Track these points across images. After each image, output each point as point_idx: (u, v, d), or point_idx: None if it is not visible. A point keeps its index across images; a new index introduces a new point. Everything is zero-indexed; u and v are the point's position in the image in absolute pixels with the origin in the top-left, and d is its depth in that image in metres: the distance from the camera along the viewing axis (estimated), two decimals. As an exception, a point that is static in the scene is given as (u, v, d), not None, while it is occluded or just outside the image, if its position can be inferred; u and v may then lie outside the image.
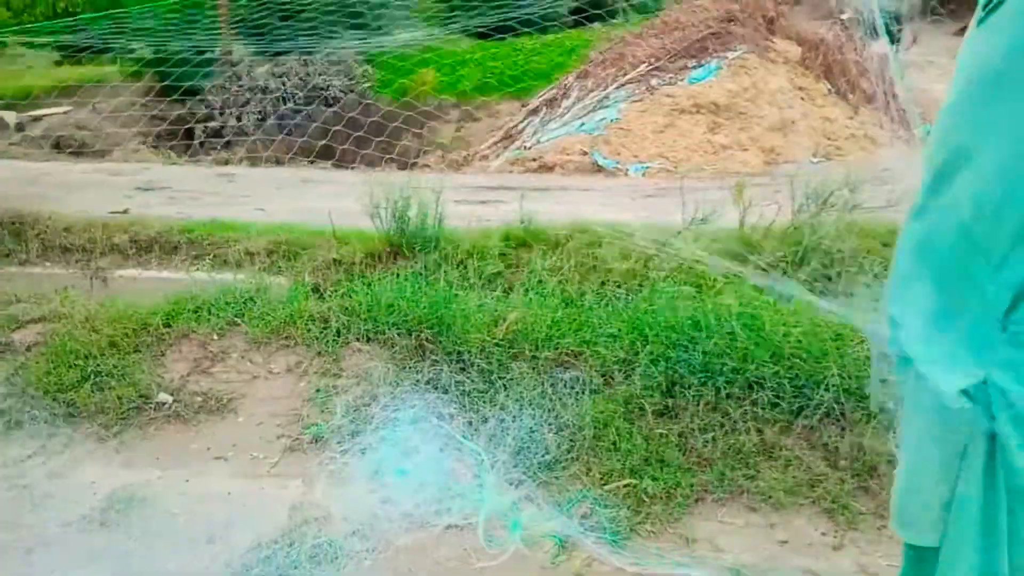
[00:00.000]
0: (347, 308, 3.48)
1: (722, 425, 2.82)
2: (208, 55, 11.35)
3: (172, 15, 10.83)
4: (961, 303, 1.14)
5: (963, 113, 1.15)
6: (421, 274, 3.70)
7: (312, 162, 8.75)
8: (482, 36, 13.10)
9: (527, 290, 3.58)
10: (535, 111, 9.70)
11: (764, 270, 3.44)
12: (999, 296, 1.09)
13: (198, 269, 4.16)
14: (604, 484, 2.66)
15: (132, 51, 11.20)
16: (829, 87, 8.78)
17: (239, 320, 3.53)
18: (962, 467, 1.17)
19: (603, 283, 3.63)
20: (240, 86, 11.26)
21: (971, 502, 1.18)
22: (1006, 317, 1.09)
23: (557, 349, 3.16)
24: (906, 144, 8.23)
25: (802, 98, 8.31)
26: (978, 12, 1.13)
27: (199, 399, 3.18)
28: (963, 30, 1.42)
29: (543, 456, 2.79)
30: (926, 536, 1.27)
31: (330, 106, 10.72)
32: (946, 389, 1.16)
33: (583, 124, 8.16)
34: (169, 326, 3.50)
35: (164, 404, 3.15)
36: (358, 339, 3.39)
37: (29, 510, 2.65)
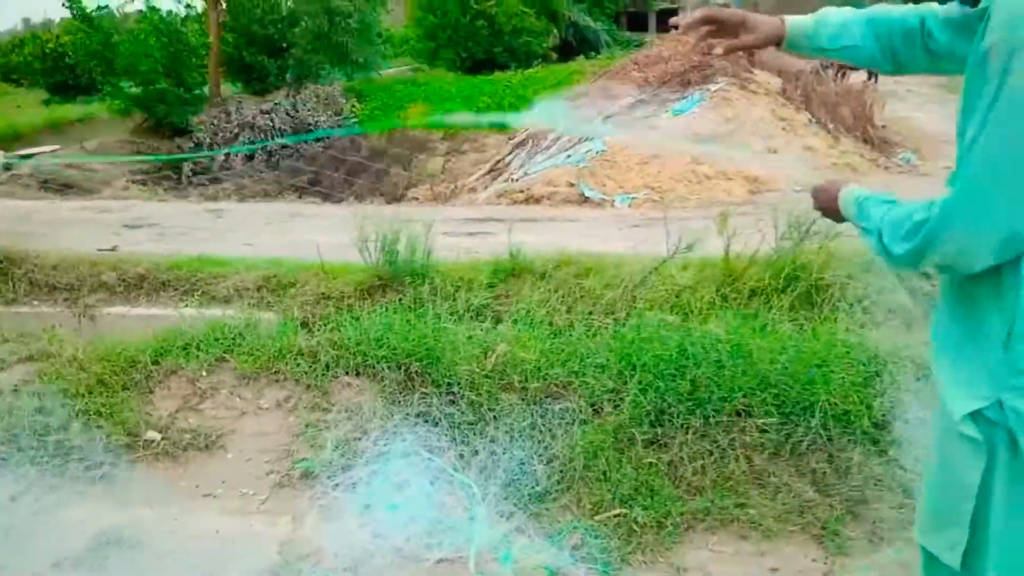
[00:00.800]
0: (336, 342, 3.49)
1: (711, 453, 2.83)
2: (197, 92, 11.43)
3: (161, 53, 10.91)
4: (975, 331, 1.25)
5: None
6: (410, 307, 3.71)
7: (300, 196, 8.79)
8: (469, 70, 13.26)
9: (516, 321, 3.60)
10: (521, 144, 9.81)
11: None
12: (1000, 325, 1.20)
13: (187, 305, 4.15)
14: (595, 514, 2.66)
15: (121, 89, 11.27)
16: (810, 117, 8.94)
17: (228, 356, 3.53)
18: (991, 492, 1.22)
19: (591, 313, 3.65)
20: (228, 122, 11.33)
21: (1007, 531, 1.22)
22: (1008, 342, 1.19)
23: (546, 380, 3.17)
24: (886, 172, 8.36)
25: (784, 128, 8.45)
26: None
27: (188, 436, 3.16)
28: None
29: (534, 487, 2.78)
30: (946, 553, 1.30)
31: (318, 140, 10.78)
32: (955, 412, 1.23)
33: (569, 156, 8.26)
34: (157, 363, 3.49)
35: (152, 442, 3.13)
36: (347, 373, 3.39)
37: (17, 550, 2.62)
